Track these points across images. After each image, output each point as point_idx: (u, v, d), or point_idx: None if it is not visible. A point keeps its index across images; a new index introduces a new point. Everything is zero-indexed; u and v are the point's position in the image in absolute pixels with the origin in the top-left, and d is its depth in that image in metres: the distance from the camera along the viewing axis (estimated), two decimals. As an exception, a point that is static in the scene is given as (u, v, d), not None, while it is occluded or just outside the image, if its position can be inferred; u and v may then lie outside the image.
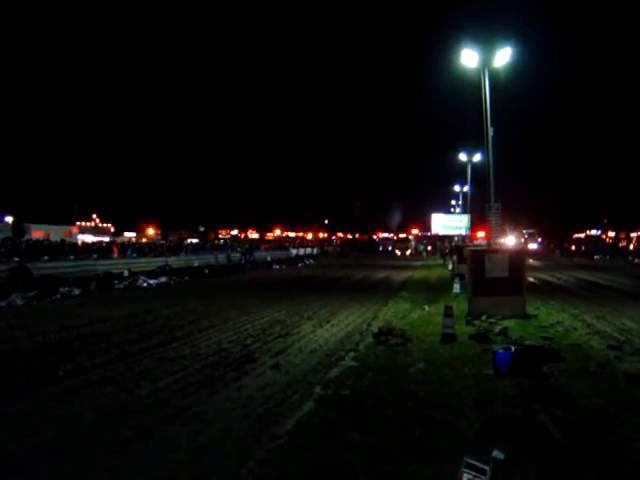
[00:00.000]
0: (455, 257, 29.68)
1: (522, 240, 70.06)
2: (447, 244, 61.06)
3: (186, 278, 30.22)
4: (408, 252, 79.21)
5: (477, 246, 25.70)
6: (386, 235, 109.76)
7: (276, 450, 5.44)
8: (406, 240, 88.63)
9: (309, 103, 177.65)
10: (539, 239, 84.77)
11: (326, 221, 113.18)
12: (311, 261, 55.81)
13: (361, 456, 5.22)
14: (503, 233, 20.96)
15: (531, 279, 25.75)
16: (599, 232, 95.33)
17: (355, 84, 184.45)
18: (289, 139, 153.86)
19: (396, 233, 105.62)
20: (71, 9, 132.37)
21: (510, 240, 43.34)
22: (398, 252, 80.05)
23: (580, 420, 5.59)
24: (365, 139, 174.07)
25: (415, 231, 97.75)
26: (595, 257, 56.19)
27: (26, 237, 41.35)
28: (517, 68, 20.77)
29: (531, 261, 45.22)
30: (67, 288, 21.78)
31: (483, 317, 13.70)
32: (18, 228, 45.18)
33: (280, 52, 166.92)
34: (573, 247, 77.23)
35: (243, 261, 42.53)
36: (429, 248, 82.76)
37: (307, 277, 32.65)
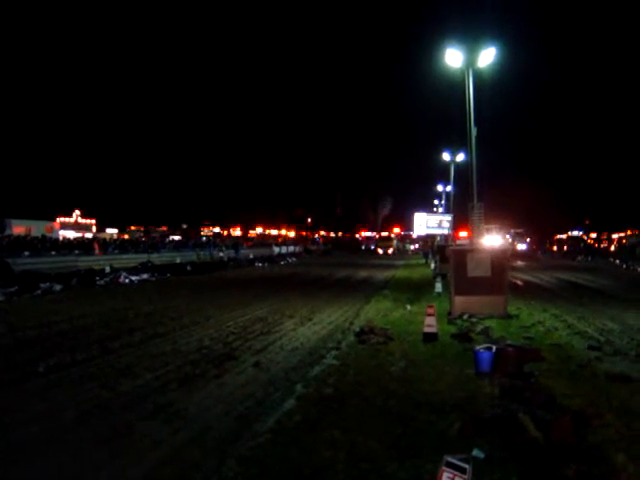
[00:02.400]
0: (437, 256, 29.71)
1: (510, 240, 69.68)
2: (429, 243, 61.15)
3: (168, 275, 30.01)
4: (390, 251, 79.29)
5: (460, 245, 25.72)
6: (369, 234, 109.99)
7: (257, 447, 5.42)
8: (389, 239, 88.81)
9: (293, 102, 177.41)
10: (528, 239, 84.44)
11: (309, 219, 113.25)
12: (293, 259, 55.73)
13: (342, 454, 5.22)
14: (486, 232, 20.99)
15: (519, 282, 25.81)
16: (581, 233, 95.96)
17: (338, 84, 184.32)
18: (272, 138, 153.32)
19: (379, 232, 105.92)
20: (68, 7, 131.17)
21: (496, 240, 43.16)
22: (380, 251, 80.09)
23: (560, 420, 5.62)
24: (347, 138, 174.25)
25: (397, 230, 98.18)
26: (577, 258, 56.54)
27: (7, 232, 41.00)
28: (501, 68, 20.85)
29: (519, 262, 44.91)
30: (48, 284, 21.57)
31: (465, 316, 13.76)
32: (-2, 223, 44.78)
33: (264, 51, 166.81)
34: (555, 248, 77.61)
35: (225, 258, 42.30)
36: (412, 247, 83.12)
37: (289, 275, 32.61)
